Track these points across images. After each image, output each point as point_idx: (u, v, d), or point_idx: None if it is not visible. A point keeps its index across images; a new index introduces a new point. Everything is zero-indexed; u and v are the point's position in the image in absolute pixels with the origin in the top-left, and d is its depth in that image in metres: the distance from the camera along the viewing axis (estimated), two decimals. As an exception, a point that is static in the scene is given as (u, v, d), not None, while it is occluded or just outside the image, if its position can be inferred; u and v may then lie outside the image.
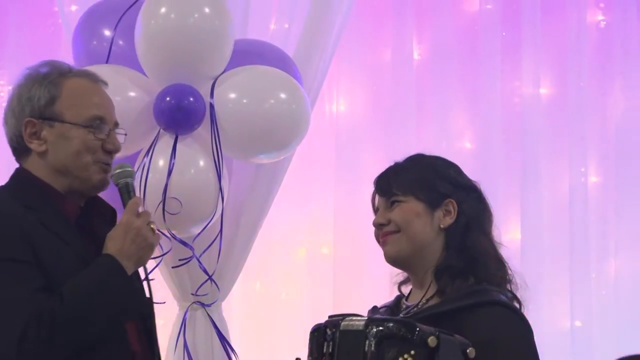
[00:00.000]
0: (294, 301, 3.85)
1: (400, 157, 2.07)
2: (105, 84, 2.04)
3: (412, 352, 1.74)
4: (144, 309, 2.04)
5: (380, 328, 1.83)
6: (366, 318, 1.92)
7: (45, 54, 3.14)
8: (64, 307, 1.75)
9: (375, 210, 2.05)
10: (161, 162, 2.73)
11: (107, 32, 2.89)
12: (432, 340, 1.72)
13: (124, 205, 1.92)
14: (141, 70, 2.80)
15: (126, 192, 1.98)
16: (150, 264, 2.31)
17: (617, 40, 4.05)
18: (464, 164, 2.17)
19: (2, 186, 1.97)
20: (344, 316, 1.97)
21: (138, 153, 2.80)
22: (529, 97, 3.88)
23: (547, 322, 3.61)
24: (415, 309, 2.00)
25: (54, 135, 1.87)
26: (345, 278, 3.74)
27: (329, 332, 2.04)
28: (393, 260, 2.01)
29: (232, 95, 2.79)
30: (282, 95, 2.85)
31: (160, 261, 2.74)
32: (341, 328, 1.96)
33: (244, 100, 2.81)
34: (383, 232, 1.99)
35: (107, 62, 2.81)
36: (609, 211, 4.01)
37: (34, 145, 1.84)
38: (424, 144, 3.51)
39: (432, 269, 1.95)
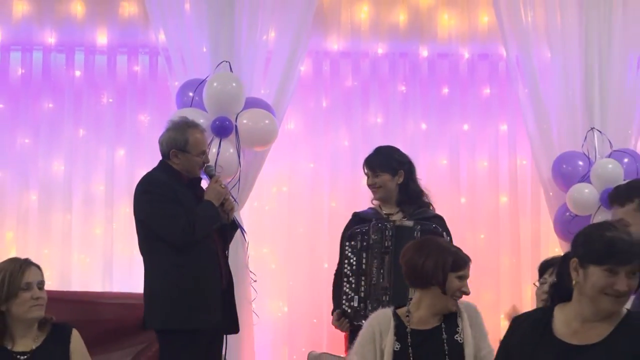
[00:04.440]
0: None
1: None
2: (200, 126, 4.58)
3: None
4: (222, 224, 4.49)
5: (420, 226, 4.26)
6: (412, 220, 4.32)
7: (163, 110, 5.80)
8: (197, 220, 4.25)
9: (368, 176, 4.47)
10: (214, 150, 5.17)
11: (190, 94, 5.40)
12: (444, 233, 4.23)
13: (210, 180, 4.50)
14: (205, 110, 5.32)
15: (210, 175, 4.50)
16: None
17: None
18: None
19: (155, 168, 4.44)
20: (393, 220, 4.37)
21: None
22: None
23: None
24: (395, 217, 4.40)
25: (180, 157, 4.38)
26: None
27: (388, 226, 4.35)
28: (379, 199, 4.45)
29: (245, 121, 5.31)
30: (267, 121, 5.35)
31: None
32: (396, 224, 4.31)
33: (250, 123, 5.32)
34: (372, 187, 4.43)
35: (190, 107, 5.30)
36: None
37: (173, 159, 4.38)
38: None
39: (395, 200, 4.42)
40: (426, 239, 4.12)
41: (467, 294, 3.73)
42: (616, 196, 3.88)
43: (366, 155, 5.32)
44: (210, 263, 4.69)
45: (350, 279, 4.68)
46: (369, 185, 4.72)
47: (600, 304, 2.76)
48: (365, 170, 4.77)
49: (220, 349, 4.99)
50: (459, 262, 3.76)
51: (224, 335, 5.00)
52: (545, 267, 4.01)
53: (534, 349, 2.94)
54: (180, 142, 4.61)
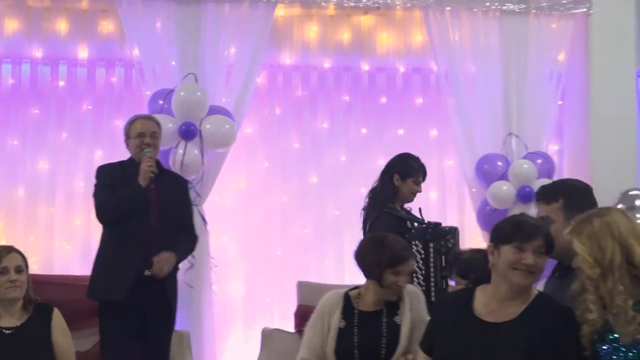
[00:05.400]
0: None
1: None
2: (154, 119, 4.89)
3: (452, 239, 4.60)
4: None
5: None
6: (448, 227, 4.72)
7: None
8: (110, 201, 4.60)
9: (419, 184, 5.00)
10: (180, 151, 5.68)
11: (161, 101, 5.87)
12: None
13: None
14: (173, 115, 5.76)
15: (143, 157, 4.65)
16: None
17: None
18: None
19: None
20: (435, 224, 4.65)
21: (171, 148, 5.73)
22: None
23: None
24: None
25: (128, 143, 4.76)
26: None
27: (429, 230, 4.61)
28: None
29: (208, 126, 5.77)
30: (227, 126, 5.84)
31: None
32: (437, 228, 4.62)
33: (212, 128, 5.76)
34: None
35: (160, 113, 5.69)
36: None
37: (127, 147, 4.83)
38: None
39: None
40: (372, 235, 4.33)
41: (402, 287, 3.86)
42: (543, 194, 3.85)
43: (315, 155, 6.05)
44: (132, 245, 4.88)
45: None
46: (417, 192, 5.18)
47: (512, 279, 3.00)
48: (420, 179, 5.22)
49: (157, 328, 5.11)
50: (395, 259, 3.89)
51: (170, 316, 5.11)
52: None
53: (454, 326, 3.13)
54: (126, 129, 5.09)
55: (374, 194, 5.37)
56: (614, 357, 2.97)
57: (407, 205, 5.33)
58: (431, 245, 4.86)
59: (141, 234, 4.91)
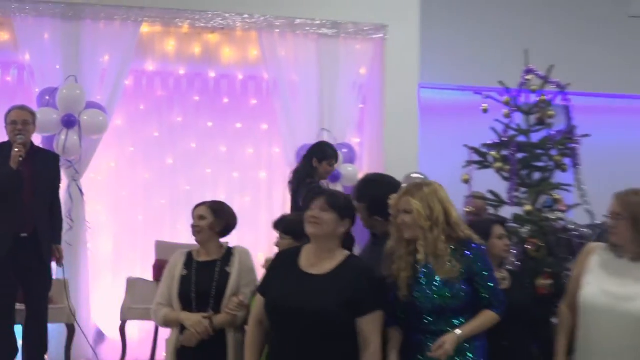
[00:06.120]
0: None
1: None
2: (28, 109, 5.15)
3: None
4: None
5: None
6: None
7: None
8: None
9: None
10: (63, 137, 6.20)
11: (47, 97, 6.31)
12: None
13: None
14: (57, 109, 6.29)
15: (15, 143, 4.85)
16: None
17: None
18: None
19: None
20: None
21: (55, 135, 6.23)
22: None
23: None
24: None
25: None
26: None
27: None
28: None
29: (85, 117, 6.31)
30: (101, 118, 6.34)
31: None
32: None
33: (89, 119, 6.32)
34: None
35: (47, 107, 6.24)
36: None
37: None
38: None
39: None
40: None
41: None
42: (355, 191, 3.90)
43: (171, 142, 6.72)
44: (9, 212, 5.14)
45: None
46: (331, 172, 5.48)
47: (307, 230, 3.26)
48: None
49: (36, 278, 5.33)
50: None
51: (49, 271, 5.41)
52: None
53: (284, 275, 3.29)
54: (5, 117, 5.25)
55: (297, 173, 6.01)
56: (428, 291, 3.24)
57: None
58: None
59: (19, 205, 5.14)
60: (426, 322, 3.33)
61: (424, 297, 3.29)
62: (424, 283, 3.28)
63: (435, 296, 3.27)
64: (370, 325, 3.21)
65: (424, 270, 3.28)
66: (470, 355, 3.34)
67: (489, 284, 3.39)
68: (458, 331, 3.28)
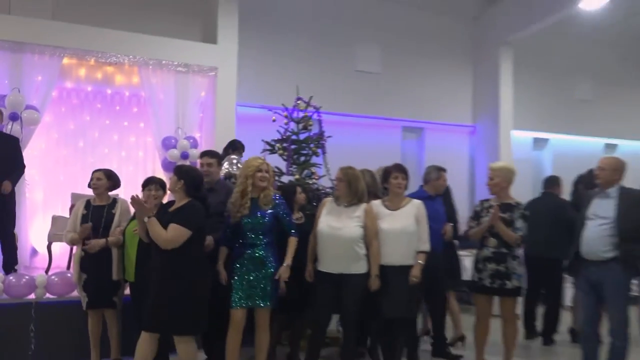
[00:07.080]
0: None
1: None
2: None
3: None
4: None
5: None
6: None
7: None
8: None
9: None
10: (9, 126, 7.64)
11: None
12: None
13: None
14: (5, 108, 7.64)
15: None
16: None
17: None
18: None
19: None
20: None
21: (4, 125, 7.48)
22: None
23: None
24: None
25: None
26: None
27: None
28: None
29: (25, 115, 7.70)
30: (35, 115, 7.76)
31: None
32: None
33: (27, 116, 7.74)
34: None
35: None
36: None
37: None
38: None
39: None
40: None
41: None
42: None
43: (83, 132, 7.97)
44: None
45: None
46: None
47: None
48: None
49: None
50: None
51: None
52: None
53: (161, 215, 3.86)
54: None
55: (219, 157, 5.90)
56: (249, 219, 3.92)
57: None
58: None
59: None
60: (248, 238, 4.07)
61: (249, 222, 4.02)
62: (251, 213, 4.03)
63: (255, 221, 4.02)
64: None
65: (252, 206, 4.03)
66: (271, 259, 4.30)
67: (285, 217, 4.38)
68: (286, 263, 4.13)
